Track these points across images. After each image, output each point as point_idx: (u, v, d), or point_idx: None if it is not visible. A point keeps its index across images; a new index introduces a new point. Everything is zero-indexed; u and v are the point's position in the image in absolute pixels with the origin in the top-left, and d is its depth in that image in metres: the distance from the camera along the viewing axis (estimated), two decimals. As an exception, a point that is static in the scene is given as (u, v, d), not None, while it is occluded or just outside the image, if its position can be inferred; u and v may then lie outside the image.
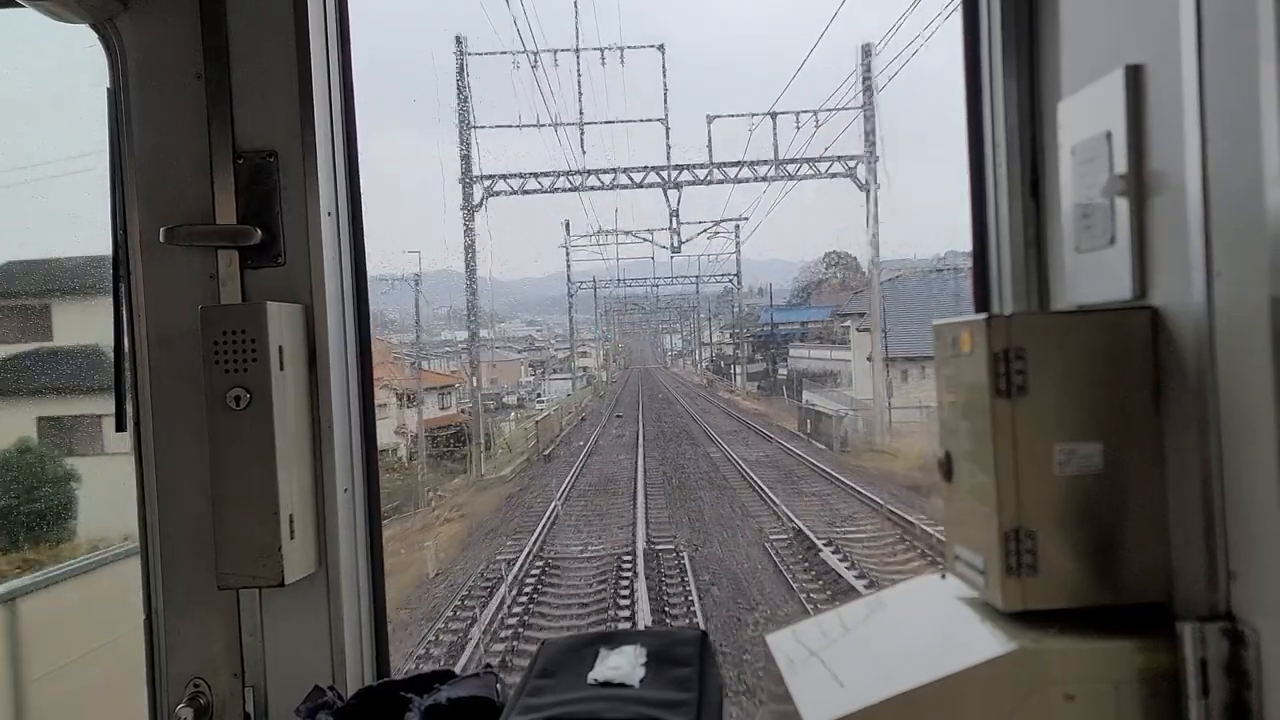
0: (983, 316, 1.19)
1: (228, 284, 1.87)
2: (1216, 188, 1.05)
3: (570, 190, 29.03)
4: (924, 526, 15.01)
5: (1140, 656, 1.09)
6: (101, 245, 1.92)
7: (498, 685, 1.61)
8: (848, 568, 13.77)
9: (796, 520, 16.89)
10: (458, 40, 27.98)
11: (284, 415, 1.80)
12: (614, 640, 1.51)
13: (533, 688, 1.43)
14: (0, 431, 12.85)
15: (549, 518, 18.68)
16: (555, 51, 28.29)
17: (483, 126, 28.38)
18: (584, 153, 29.98)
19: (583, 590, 13.95)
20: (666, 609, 12.55)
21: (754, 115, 28.62)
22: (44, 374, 13.48)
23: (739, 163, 28.78)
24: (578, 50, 28.52)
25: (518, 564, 15.12)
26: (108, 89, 1.91)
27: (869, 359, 30.14)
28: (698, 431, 33.95)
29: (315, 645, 1.89)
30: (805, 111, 27.85)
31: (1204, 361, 1.07)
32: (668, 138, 29.30)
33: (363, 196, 2.01)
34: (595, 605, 13.14)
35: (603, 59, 29.06)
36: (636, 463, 25.71)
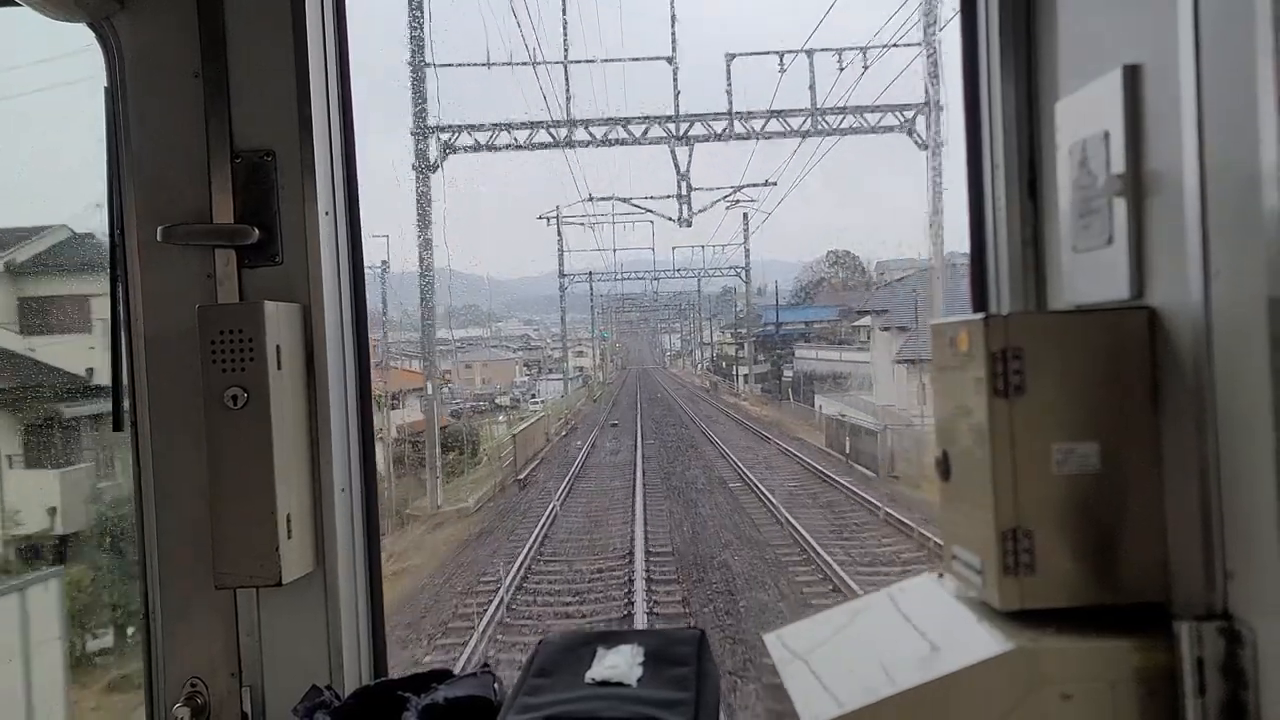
0: (980, 316, 1.19)
1: (225, 283, 1.87)
2: (1214, 187, 1.05)
3: (553, 145, 22.18)
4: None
5: (1137, 656, 1.09)
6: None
7: (495, 685, 1.61)
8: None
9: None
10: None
11: (281, 415, 1.80)
12: (612, 639, 1.51)
13: (530, 687, 1.43)
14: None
15: (498, 602, 13.09)
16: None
17: (447, 65, 21.73)
18: (570, 96, 22.03)
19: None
20: None
21: (785, 54, 22.14)
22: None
23: (766, 112, 21.95)
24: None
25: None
26: (105, 88, 1.91)
27: (896, 361, 26.58)
28: (708, 448, 28.23)
29: (312, 645, 1.89)
30: (851, 49, 21.25)
31: (1201, 361, 1.07)
32: (675, 82, 21.91)
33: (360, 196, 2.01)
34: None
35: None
36: (634, 503, 19.49)
